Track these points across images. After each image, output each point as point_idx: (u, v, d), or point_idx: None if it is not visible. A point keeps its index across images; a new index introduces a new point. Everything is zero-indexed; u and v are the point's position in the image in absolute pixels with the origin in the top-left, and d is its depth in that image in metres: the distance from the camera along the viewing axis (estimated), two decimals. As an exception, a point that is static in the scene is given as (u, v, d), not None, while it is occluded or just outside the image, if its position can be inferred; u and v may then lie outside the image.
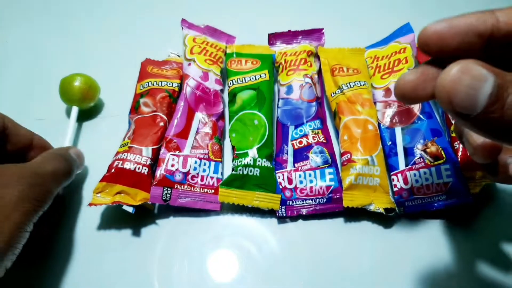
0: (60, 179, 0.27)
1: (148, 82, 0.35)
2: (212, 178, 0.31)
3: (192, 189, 0.30)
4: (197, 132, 0.32)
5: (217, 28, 0.40)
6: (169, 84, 0.35)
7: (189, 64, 0.36)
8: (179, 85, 0.36)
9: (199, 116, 0.33)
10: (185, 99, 0.34)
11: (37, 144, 0.29)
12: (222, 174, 0.32)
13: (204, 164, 0.31)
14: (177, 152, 0.31)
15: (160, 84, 0.35)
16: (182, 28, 0.39)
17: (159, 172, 0.30)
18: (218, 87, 0.36)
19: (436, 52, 0.17)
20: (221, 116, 0.35)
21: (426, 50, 0.18)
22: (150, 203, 0.30)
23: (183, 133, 0.32)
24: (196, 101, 0.34)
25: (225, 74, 0.38)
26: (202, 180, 0.31)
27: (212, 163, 0.32)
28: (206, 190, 0.31)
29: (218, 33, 0.40)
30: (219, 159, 0.32)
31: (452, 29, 0.17)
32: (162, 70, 0.37)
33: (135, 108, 0.34)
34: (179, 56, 0.39)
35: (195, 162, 0.31)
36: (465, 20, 0.16)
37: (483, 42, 0.16)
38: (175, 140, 0.31)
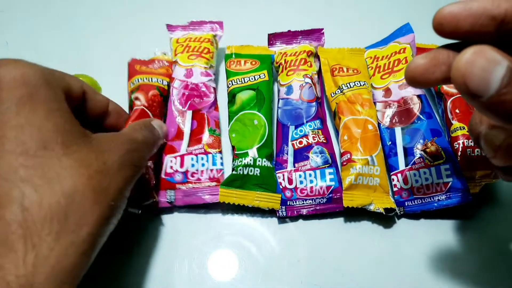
0: (149, 148, 0.27)
1: (138, 79, 0.34)
2: (211, 170, 0.31)
3: (194, 186, 0.31)
4: (191, 130, 0.33)
5: (202, 20, 0.39)
6: (160, 81, 0.35)
7: (174, 66, 0.36)
8: (168, 83, 0.35)
9: (190, 114, 0.33)
10: (173, 102, 0.34)
11: (113, 109, 0.28)
12: (222, 164, 0.32)
13: (202, 159, 0.32)
14: (174, 154, 0.31)
15: (150, 80, 0.34)
16: (169, 32, 0.38)
17: (159, 176, 0.31)
18: (205, 79, 0.35)
19: (450, 33, 0.18)
20: (212, 106, 0.34)
21: (440, 30, 0.18)
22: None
23: (178, 136, 0.32)
24: (184, 100, 0.34)
25: (215, 65, 0.38)
26: (202, 174, 0.31)
27: (210, 156, 0.32)
28: (208, 183, 0.31)
29: (201, 24, 0.39)
30: (217, 149, 0.32)
31: (466, 10, 0.17)
32: (150, 69, 0.36)
33: (130, 107, 0.34)
34: (165, 54, 0.38)
35: (192, 159, 0.31)
36: (479, 3, 0.17)
37: (496, 26, 0.17)
38: (171, 144, 0.32)
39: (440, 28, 0.18)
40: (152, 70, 0.36)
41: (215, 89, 0.36)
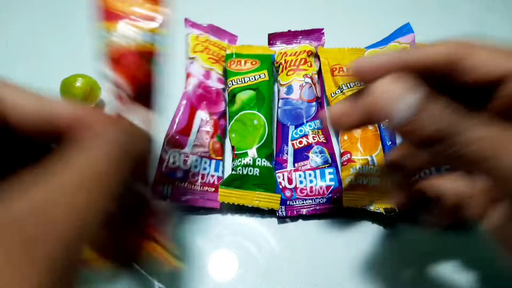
0: (122, 175, 0.15)
1: (115, 34, 0.22)
2: (212, 176, 0.31)
3: (193, 187, 0.30)
4: (198, 130, 0.33)
5: (220, 27, 0.40)
6: (148, 37, 0.21)
7: (192, 62, 0.36)
8: (154, 37, 0.22)
9: (201, 114, 0.33)
10: (187, 96, 0.34)
11: (71, 119, 0.16)
12: (223, 172, 0.32)
13: (205, 163, 0.31)
14: (179, 150, 0.31)
15: (135, 39, 0.21)
16: (186, 27, 0.38)
17: (160, 169, 0.30)
18: (220, 86, 0.36)
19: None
20: (222, 115, 0.35)
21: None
22: None
23: (185, 131, 0.32)
24: (198, 99, 0.34)
25: (225, 74, 0.38)
26: (202, 178, 0.31)
27: (213, 162, 0.32)
28: (206, 188, 0.31)
29: (220, 31, 0.40)
30: (220, 158, 0.32)
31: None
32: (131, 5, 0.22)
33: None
34: None
35: (196, 160, 0.31)
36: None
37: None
38: (177, 137, 0.32)
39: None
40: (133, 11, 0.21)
41: (225, 98, 0.36)
